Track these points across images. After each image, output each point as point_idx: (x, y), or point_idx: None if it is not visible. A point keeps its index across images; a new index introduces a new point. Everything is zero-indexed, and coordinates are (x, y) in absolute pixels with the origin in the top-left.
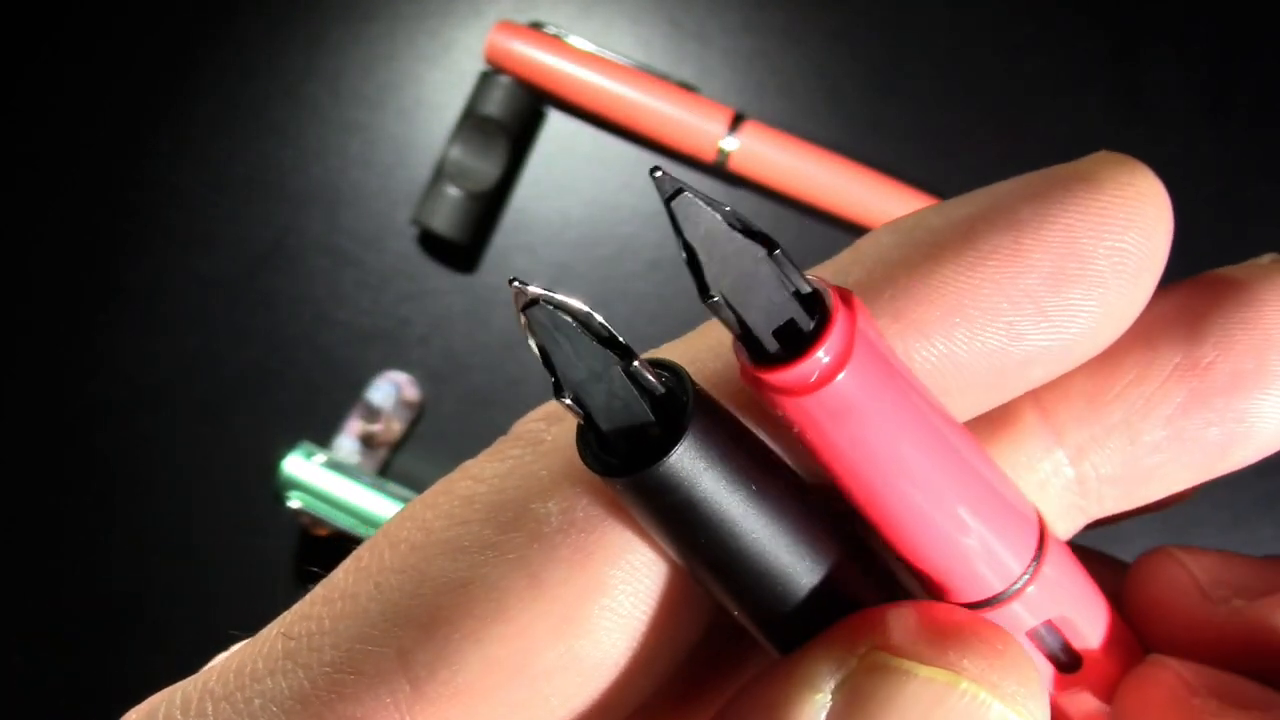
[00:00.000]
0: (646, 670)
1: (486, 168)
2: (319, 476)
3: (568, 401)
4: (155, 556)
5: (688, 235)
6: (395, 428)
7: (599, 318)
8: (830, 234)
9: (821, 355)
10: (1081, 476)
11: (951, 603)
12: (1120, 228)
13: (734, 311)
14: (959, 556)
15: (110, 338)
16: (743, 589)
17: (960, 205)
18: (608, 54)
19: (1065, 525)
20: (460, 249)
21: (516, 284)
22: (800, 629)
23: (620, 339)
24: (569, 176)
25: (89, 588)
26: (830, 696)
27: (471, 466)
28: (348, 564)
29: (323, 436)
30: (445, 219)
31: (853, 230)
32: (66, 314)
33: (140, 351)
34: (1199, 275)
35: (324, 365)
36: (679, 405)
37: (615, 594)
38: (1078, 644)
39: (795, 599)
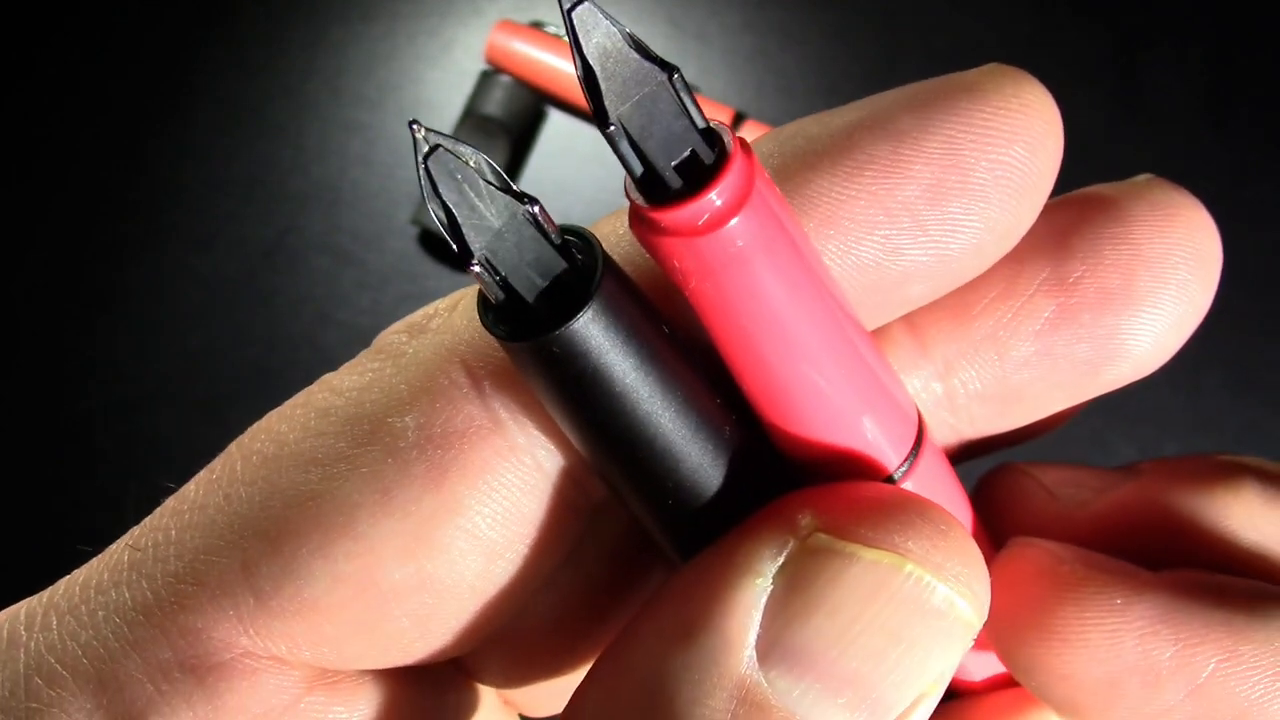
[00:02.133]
0: (507, 594)
1: None
2: None
3: (477, 268)
4: None
5: (585, 51)
6: None
7: (495, 165)
8: None
9: (719, 192)
10: (950, 392)
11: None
12: (1005, 141)
13: (632, 143)
14: (846, 437)
15: (110, 338)
16: (648, 472)
17: (841, 114)
18: None
19: (937, 441)
20: None
21: (416, 125)
22: (708, 520)
23: (517, 188)
24: (569, 176)
25: None
26: (771, 581)
27: (331, 378)
28: (200, 476)
29: None
30: None
31: None
32: (67, 313)
33: (140, 351)
34: (1070, 193)
35: (324, 365)
36: (587, 266)
37: (471, 514)
38: None
39: (702, 484)
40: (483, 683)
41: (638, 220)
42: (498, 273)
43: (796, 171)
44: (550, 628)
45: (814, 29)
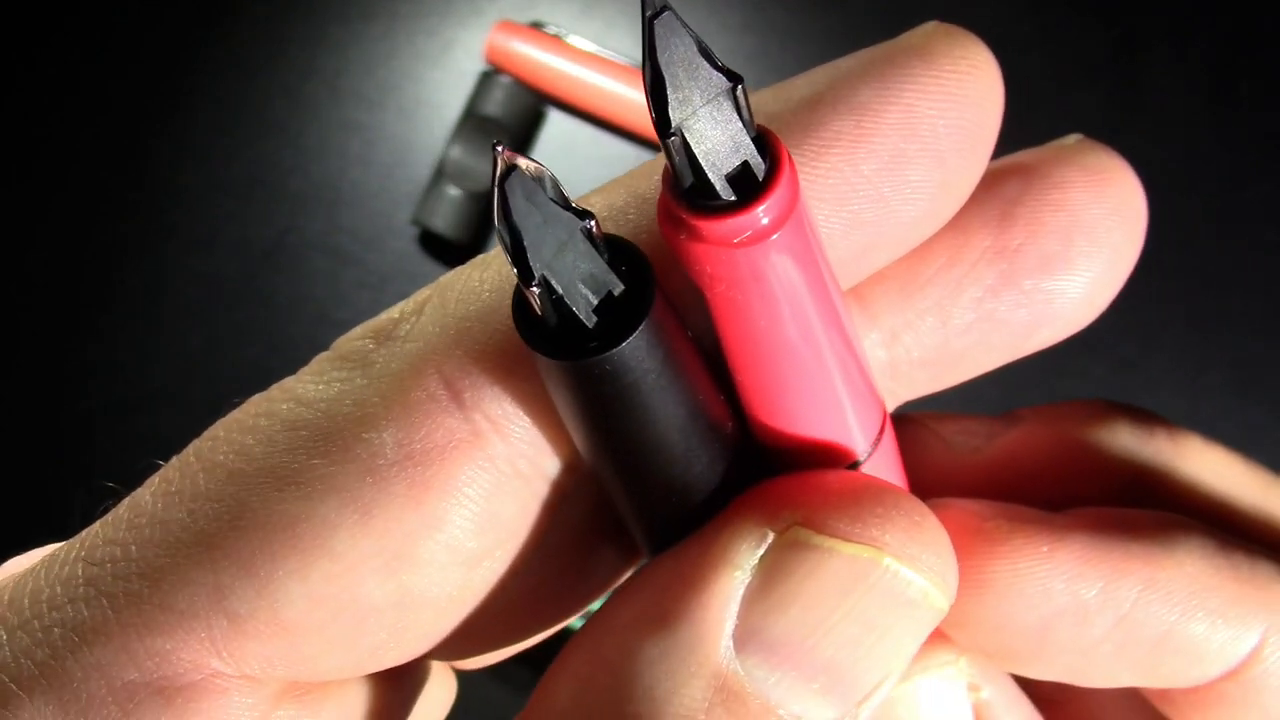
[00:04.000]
0: (485, 597)
1: (487, 167)
2: None
3: (536, 290)
4: None
5: (659, 58)
6: None
7: (557, 181)
8: None
9: (765, 209)
10: (894, 360)
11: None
12: (960, 104)
13: (689, 150)
14: (827, 429)
15: (110, 338)
16: (654, 475)
17: (798, 87)
18: (608, 54)
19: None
20: (460, 249)
21: (500, 146)
22: (697, 514)
23: (574, 203)
24: (569, 176)
25: None
26: (749, 573)
27: (294, 386)
28: (155, 485)
29: None
30: (445, 219)
31: None
32: (67, 314)
33: (140, 351)
34: (1007, 159)
35: None
36: (636, 284)
37: (451, 529)
38: None
39: (703, 483)
40: (434, 659)
41: (671, 223)
42: (554, 292)
43: None
44: (504, 608)
45: (814, 29)
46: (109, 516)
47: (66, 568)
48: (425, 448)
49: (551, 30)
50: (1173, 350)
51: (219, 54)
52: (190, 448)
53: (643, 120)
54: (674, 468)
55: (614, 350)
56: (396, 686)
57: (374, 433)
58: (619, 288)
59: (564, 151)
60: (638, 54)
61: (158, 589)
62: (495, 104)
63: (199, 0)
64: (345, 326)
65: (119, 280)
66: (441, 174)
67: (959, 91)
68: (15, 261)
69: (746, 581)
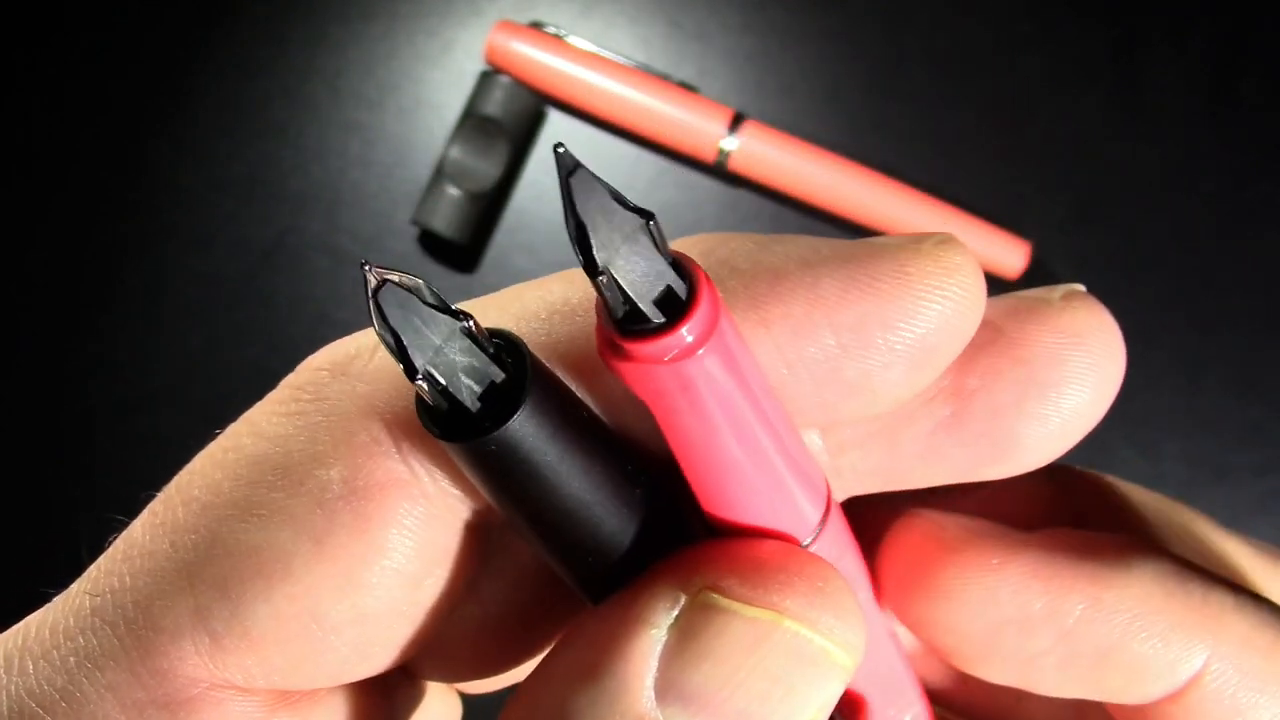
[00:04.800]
0: (431, 612)
1: (486, 168)
2: None
3: (422, 384)
4: None
5: (579, 211)
6: None
7: (433, 288)
8: (830, 233)
9: (689, 328)
10: (837, 468)
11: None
12: (917, 319)
13: (619, 285)
14: (765, 518)
15: (110, 338)
16: (563, 543)
17: (774, 253)
18: (608, 54)
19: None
20: (460, 249)
21: (368, 268)
22: (620, 573)
23: (452, 307)
24: None
25: None
26: (665, 631)
27: (258, 418)
28: (145, 519)
29: None
30: (445, 219)
31: (853, 230)
32: (66, 314)
33: (140, 351)
34: (991, 302)
35: None
36: (518, 371)
37: (394, 554)
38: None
39: (616, 546)
40: (428, 679)
41: (610, 349)
42: (438, 383)
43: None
44: (480, 631)
45: (814, 29)
46: (109, 550)
47: (75, 600)
48: (368, 484)
49: (551, 30)
50: (1173, 350)
51: (219, 54)
52: (173, 481)
53: (643, 121)
54: (580, 531)
55: (497, 432)
56: (384, 699)
57: (324, 469)
58: (500, 376)
59: None
60: (638, 54)
61: (150, 614)
62: (495, 104)
63: (199, 0)
64: (345, 326)
65: (119, 280)
66: (441, 174)
67: (920, 309)
68: (15, 261)
69: (663, 639)
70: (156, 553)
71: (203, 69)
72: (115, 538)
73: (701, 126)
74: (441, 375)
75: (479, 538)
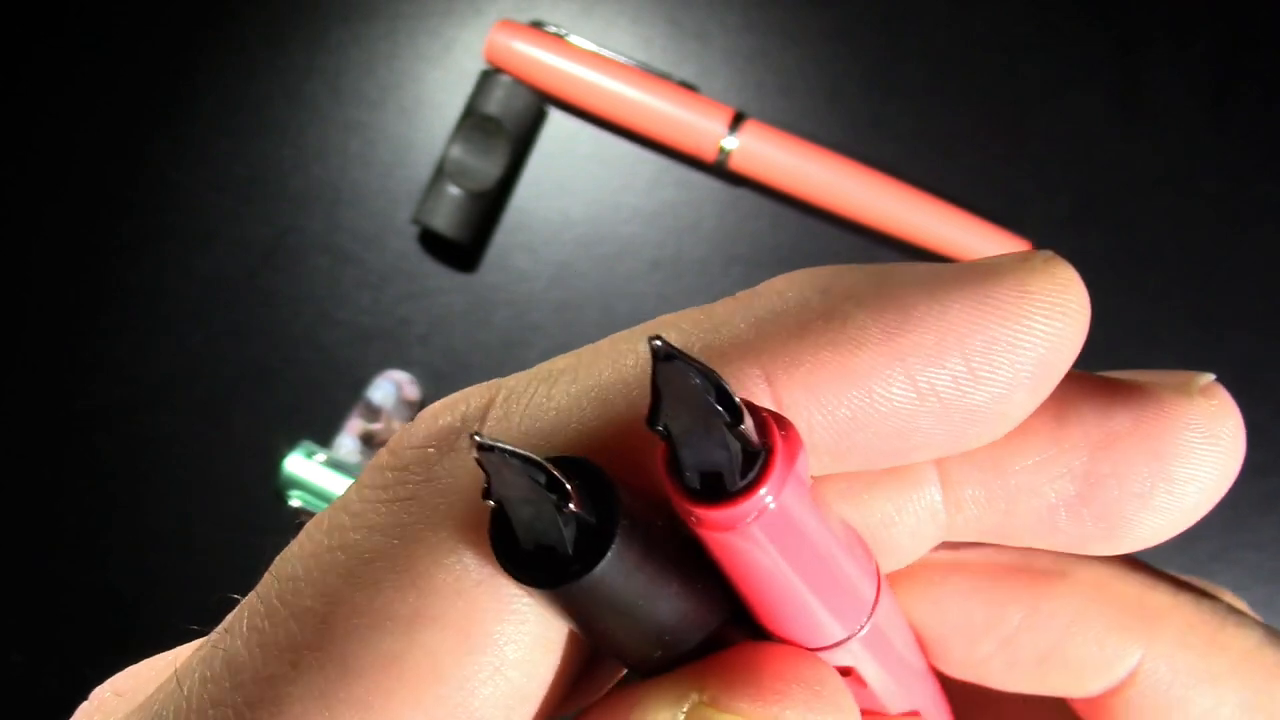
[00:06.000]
0: (564, 679)
1: (487, 167)
2: (320, 476)
3: (491, 504)
4: (155, 556)
5: (660, 383)
6: (396, 427)
7: (543, 461)
8: (830, 233)
9: (741, 515)
10: (949, 523)
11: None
12: (1041, 338)
13: (673, 447)
14: (805, 628)
15: (110, 338)
16: (631, 655)
17: (896, 282)
18: (608, 53)
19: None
20: (461, 248)
21: (479, 439)
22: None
23: (563, 481)
24: (569, 176)
25: (89, 588)
26: None
27: (361, 510)
28: (246, 635)
29: (323, 436)
30: (446, 218)
31: (853, 229)
32: (66, 314)
33: (140, 351)
34: (1127, 378)
35: (324, 365)
36: (601, 530)
37: (536, 627)
38: (895, 674)
39: (656, 661)
40: None
41: (661, 473)
42: (508, 521)
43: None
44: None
45: (814, 29)
46: (205, 670)
47: None
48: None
49: (552, 30)
50: (1173, 350)
51: (219, 54)
52: (271, 589)
53: (643, 120)
54: (641, 655)
55: (571, 585)
56: None
57: (454, 557)
58: (566, 554)
59: (564, 152)
60: (638, 54)
61: None
62: (495, 103)
63: (199, 0)
64: (345, 326)
65: (119, 280)
66: (442, 173)
67: (1044, 328)
68: (15, 261)
69: None
70: (277, 678)
71: (203, 69)
72: (201, 651)
73: (702, 126)
74: (514, 517)
75: None
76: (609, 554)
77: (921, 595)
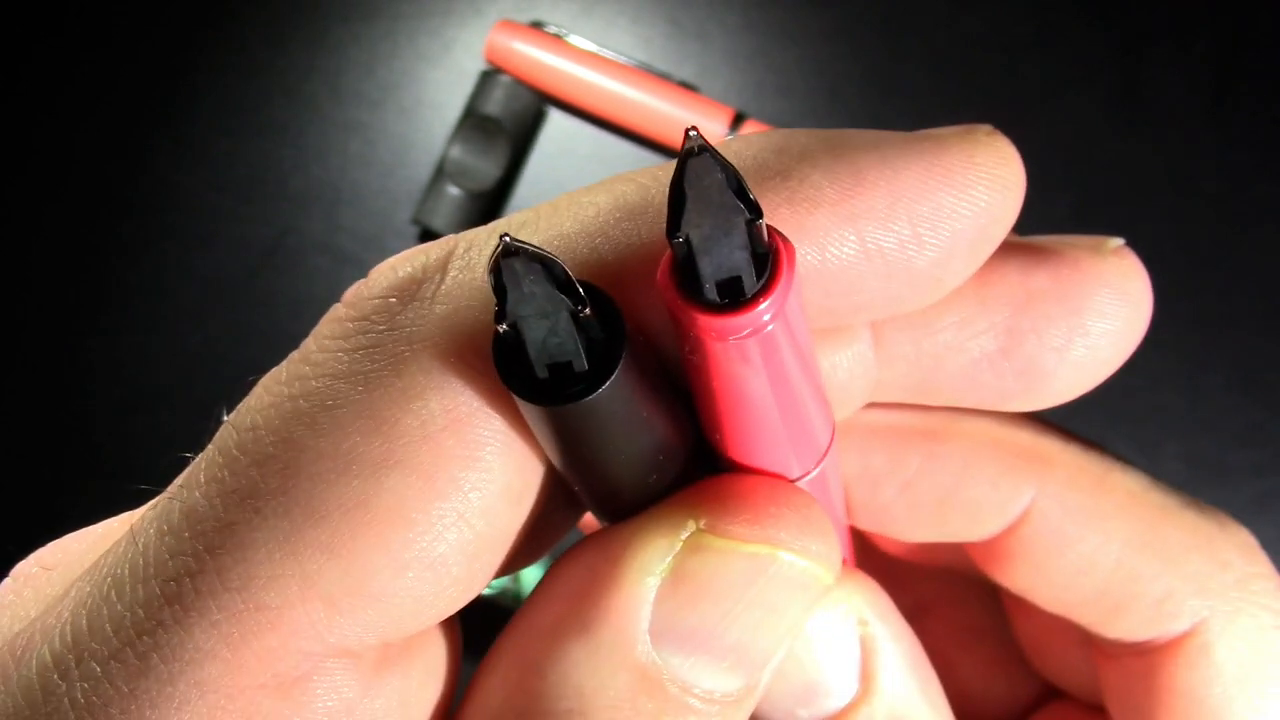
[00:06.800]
0: (531, 528)
1: (487, 167)
2: None
3: (502, 328)
4: None
5: (686, 182)
6: None
7: (563, 264)
8: None
9: (756, 315)
10: (880, 377)
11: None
12: (983, 203)
13: (693, 257)
14: (776, 459)
15: (110, 338)
16: (603, 487)
17: (847, 147)
18: (608, 53)
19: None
20: None
21: (507, 239)
22: (634, 512)
23: (579, 288)
24: (569, 176)
25: None
26: (660, 576)
27: (322, 360)
28: (204, 485)
29: None
30: (446, 218)
31: None
32: (67, 314)
33: (140, 351)
34: (1046, 242)
35: None
36: (611, 344)
37: (501, 474)
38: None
39: (646, 491)
40: None
41: (665, 295)
42: (520, 339)
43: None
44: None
45: (814, 29)
46: (162, 524)
47: (141, 588)
48: (470, 409)
49: (551, 30)
50: (1173, 350)
51: (219, 54)
52: (229, 440)
53: (643, 120)
54: (633, 483)
55: (572, 404)
56: (451, 628)
57: (420, 403)
58: (581, 364)
59: (564, 152)
60: (638, 54)
61: (248, 594)
62: (495, 103)
63: (199, 0)
64: None
65: (119, 280)
66: (442, 173)
67: (988, 196)
68: (15, 261)
69: (658, 584)
70: (239, 524)
71: (203, 69)
72: (159, 504)
73: (702, 126)
74: (526, 335)
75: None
76: (619, 365)
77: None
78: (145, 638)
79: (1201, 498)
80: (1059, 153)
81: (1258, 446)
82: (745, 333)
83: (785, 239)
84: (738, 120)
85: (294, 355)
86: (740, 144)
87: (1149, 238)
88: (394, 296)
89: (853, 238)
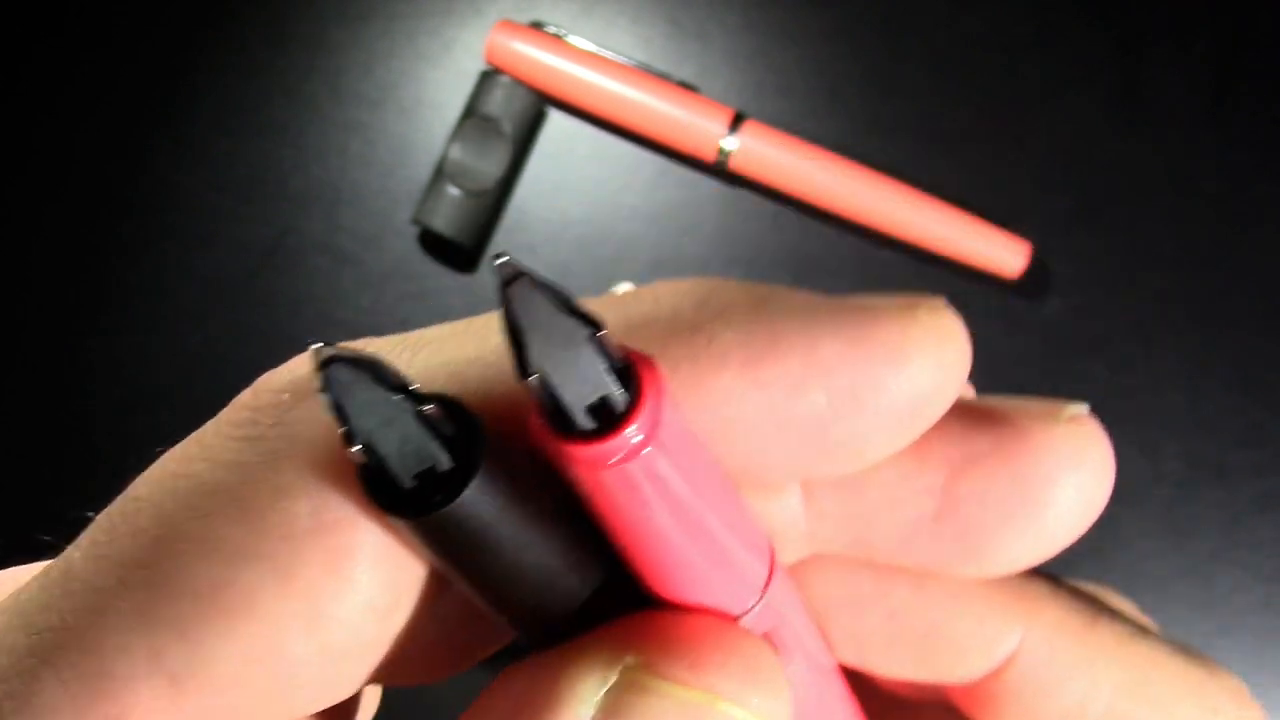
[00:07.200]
0: (402, 641)
1: (487, 167)
2: None
3: (357, 449)
4: None
5: (519, 318)
6: None
7: (394, 366)
8: (830, 234)
9: (631, 434)
10: (811, 531)
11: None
12: (906, 388)
13: (551, 392)
14: (705, 596)
15: (110, 338)
16: (508, 606)
17: (769, 312)
18: (608, 54)
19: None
20: (461, 249)
21: (314, 345)
22: (561, 635)
23: (410, 385)
24: (569, 176)
25: None
26: (594, 707)
27: (213, 444)
28: (85, 546)
29: None
30: (446, 219)
31: (852, 230)
32: (67, 314)
33: (140, 351)
34: (994, 404)
35: None
36: (470, 445)
37: (364, 589)
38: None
39: (556, 616)
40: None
41: (538, 437)
42: (378, 455)
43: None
44: (434, 643)
45: (814, 29)
46: (45, 576)
47: (9, 636)
48: (337, 518)
49: (551, 30)
50: (1173, 350)
51: (219, 54)
52: (115, 507)
53: (643, 120)
54: (539, 604)
55: (430, 515)
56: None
57: (289, 502)
58: (442, 463)
59: (564, 152)
60: (638, 54)
61: (100, 658)
62: (495, 104)
63: (199, 0)
64: (345, 326)
65: (119, 280)
66: (441, 173)
67: (915, 375)
68: (15, 261)
69: (590, 715)
70: (104, 590)
71: (203, 69)
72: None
73: (702, 126)
74: (381, 450)
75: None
76: (477, 476)
77: (810, 573)
78: (3, 684)
79: (1202, 498)
80: (1059, 153)
81: (1258, 446)
82: (618, 458)
83: (644, 355)
84: (738, 120)
85: (194, 434)
86: (665, 289)
87: (1149, 238)
88: (288, 393)
89: (757, 403)
